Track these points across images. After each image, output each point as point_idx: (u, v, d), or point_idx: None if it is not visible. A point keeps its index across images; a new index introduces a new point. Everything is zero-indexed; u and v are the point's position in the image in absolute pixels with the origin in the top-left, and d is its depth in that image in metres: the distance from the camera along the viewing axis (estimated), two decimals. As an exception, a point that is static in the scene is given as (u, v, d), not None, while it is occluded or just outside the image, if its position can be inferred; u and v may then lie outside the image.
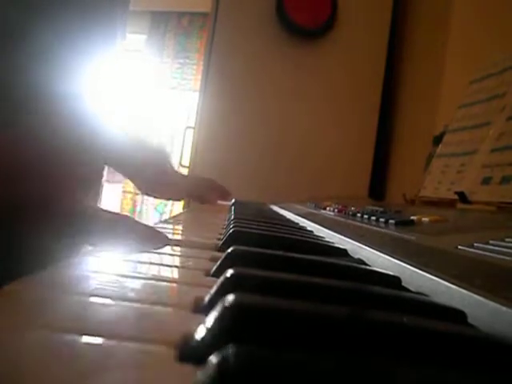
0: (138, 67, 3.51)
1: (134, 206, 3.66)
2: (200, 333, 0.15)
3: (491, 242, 0.29)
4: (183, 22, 3.68)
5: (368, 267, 0.31)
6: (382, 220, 0.48)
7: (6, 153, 0.27)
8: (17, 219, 0.30)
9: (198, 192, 0.98)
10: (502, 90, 0.68)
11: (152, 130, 3.54)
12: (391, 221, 0.46)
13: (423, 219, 0.44)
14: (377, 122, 1.56)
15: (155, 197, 0.81)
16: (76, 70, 0.38)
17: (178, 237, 0.49)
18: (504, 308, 0.19)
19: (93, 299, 0.19)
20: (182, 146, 1.89)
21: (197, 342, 0.14)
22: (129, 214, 3.57)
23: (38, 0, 0.36)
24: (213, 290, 0.20)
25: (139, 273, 0.25)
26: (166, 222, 0.63)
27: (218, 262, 0.27)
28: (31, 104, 0.35)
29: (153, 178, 0.68)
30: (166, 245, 0.35)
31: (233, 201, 1.03)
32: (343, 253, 0.38)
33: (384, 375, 0.11)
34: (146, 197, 3.95)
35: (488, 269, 0.24)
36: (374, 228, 0.45)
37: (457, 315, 0.20)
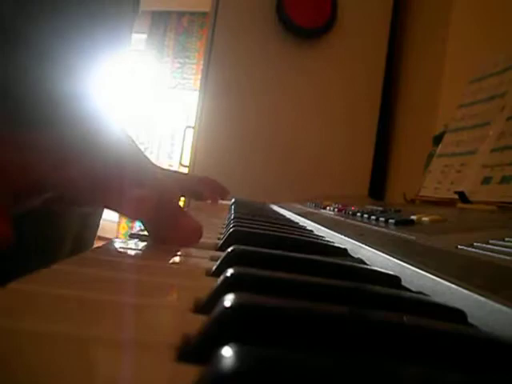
0: (138, 67, 3.51)
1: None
2: (200, 333, 0.15)
3: (491, 241, 0.29)
4: (183, 22, 3.68)
5: (368, 267, 0.31)
6: (382, 219, 0.48)
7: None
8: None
9: (194, 189, 0.98)
10: (502, 89, 0.68)
11: (152, 130, 3.53)
12: (391, 220, 0.46)
13: (423, 219, 0.44)
14: (377, 122, 1.56)
15: None
16: (79, 70, 0.38)
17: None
18: (504, 308, 0.19)
19: (92, 296, 0.19)
20: (182, 146, 1.89)
21: (197, 341, 0.14)
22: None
23: None
24: (213, 290, 0.20)
25: (139, 272, 0.25)
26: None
27: (218, 262, 0.27)
28: (32, 104, 0.35)
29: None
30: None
31: (233, 200, 1.03)
32: (343, 252, 0.38)
33: (384, 375, 0.11)
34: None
35: (488, 268, 0.24)
36: (374, 227, 0.45)
37: (457, 315, 0.20)
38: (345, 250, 0.39)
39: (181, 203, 0.62)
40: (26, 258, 0.40)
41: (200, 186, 1.00)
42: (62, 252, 0.52)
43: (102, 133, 0.32)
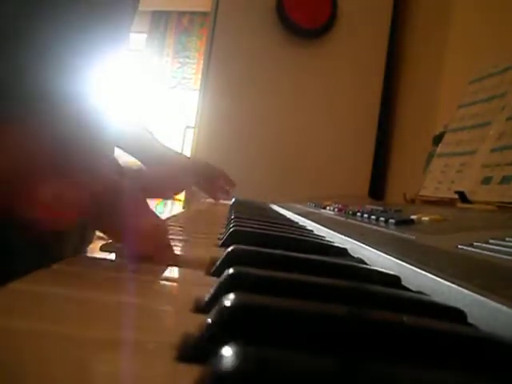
0: (138, 66, 3.51)
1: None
2: (200, 332, 0.15)
3: (491, 241, 0.29)
4: (183, 22, 3.68)
5: (368, 266, 0.31)
6: (382, 219, 0.48)
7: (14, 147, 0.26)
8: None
9: (203, 178, 0.97)
10: (502, 90, 0.68)
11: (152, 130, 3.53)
12: (391, 220, 0.46)
13: (423, 218, 0.44)
14: (377, 122, 1.56)
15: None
16: (79, 68, 0.38)
17: (178, 236, 0.49)
18: (504, 307, 0.19)
19: (91, 296, 0.19)
20: (182, 146, 1.89)
21: (197, 341, 0.14)
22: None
23: None
24: (213, 290, 0.20)
25: (139, 272, 0.25)
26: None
27: (218, 261, 0.27)
28: (32, 103, 0.35)
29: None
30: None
31: (233, 200, 1.03)
32: (343, 252, 0.38)
33: (384, 375, 0.11)
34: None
35: (488, 268, 0.24)
36: (374, 227, 0.45)
37: (457, 314, 0.20)
38: (345, 249, 0.39)
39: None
40: (27, 258, 0.40)
41: (214, 180, 0.98)
42: (65, 249, 0.52)
43: (101, 132, 0.32)
